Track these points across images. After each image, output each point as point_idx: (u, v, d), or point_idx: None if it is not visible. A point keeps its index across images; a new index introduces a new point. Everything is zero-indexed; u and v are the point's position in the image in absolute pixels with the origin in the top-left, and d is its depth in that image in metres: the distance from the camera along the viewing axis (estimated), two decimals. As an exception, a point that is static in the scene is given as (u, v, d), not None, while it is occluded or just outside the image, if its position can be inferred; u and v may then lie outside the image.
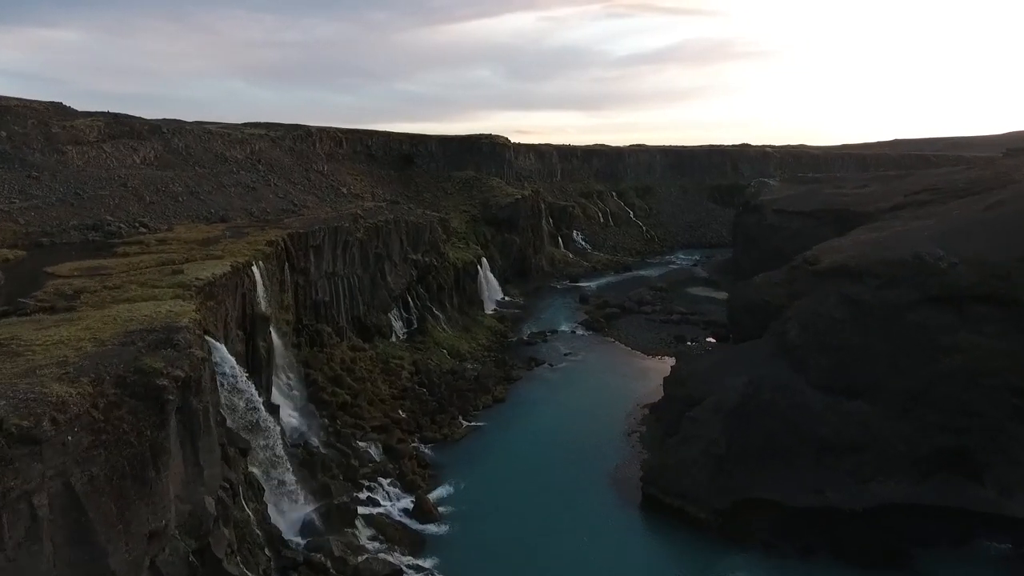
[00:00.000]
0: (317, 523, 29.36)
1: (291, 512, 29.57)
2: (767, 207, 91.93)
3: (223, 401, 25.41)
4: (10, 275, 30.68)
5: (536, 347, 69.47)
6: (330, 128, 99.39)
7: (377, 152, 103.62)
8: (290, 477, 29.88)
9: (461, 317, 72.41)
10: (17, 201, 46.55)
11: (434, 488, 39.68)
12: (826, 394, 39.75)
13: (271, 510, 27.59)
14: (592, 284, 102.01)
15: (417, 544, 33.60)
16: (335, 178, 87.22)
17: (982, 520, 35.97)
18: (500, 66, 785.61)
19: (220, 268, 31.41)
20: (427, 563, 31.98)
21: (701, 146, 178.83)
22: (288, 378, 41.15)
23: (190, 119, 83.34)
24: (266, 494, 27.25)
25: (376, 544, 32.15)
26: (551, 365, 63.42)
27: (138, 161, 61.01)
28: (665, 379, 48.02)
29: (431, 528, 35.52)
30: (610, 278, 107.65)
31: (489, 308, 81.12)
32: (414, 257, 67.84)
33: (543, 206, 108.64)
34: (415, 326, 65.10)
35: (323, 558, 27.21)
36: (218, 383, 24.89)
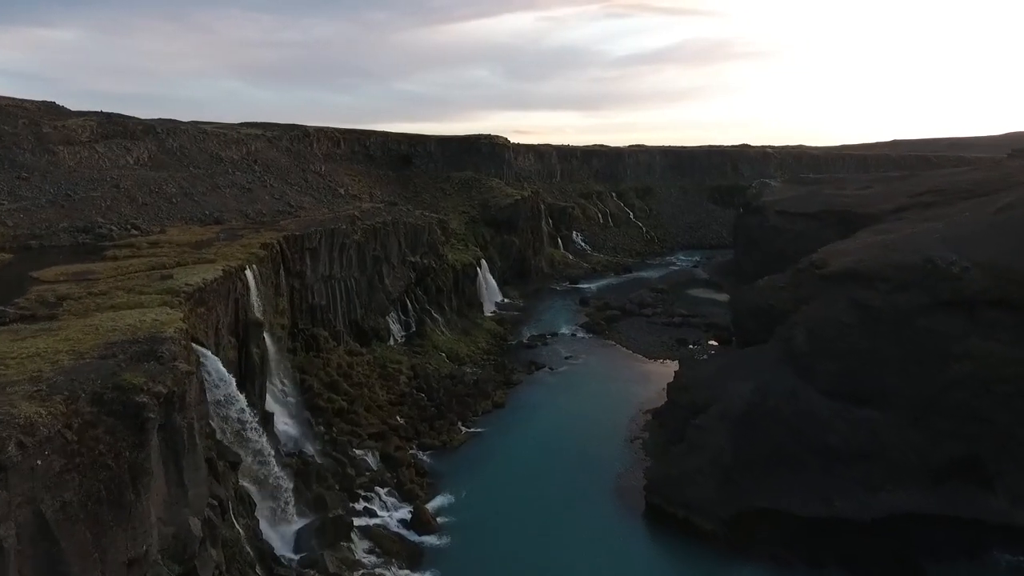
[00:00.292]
0: (311, 538, 28.36)
1: (284, 526, 28.57)
2: (769, 208, 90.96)
3: (212, 412, 24.42)
4: (-6, 280, 29.67)
5: (536, 350, 68.51)
6: (328, 128, 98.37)
7: (375, 152, 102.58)
8: (283, 490, 28.83)
9: (460, 320, 71.43)
10: (6, 203, 45.50)
11: (433, 497, 38.70)
12: (834, 401, 38.81)
13: (263, 525, 26.62)
14: (592, 286, 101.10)
15: (415, 557, 32.63)
16: (332, 179, 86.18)
17: (994, 530, 35.11)
18: (499, 66, 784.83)
19: (211, 273, 30.39)
20: (425, 577, 31.04)
21: (701, 146, 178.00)
22: (283, 384, 40.13)
23: (188, 119, 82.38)
24: (258, 508, 26.23)
25: (373, 558, 31.17)
26: (551, 369, 62.46)
27: (131, 162, 59.94)
28: (669, 385, 47.06)
29: (430, 540, 34.53)
30: (610, 279, 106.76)
31: (488, 310, 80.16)
32: (412, 259, 66.83)
33: (543, 207, 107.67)
34: (413, 329, 64.11)
35: (317, 575, 26.22)
36: (207, 394, 23.90)
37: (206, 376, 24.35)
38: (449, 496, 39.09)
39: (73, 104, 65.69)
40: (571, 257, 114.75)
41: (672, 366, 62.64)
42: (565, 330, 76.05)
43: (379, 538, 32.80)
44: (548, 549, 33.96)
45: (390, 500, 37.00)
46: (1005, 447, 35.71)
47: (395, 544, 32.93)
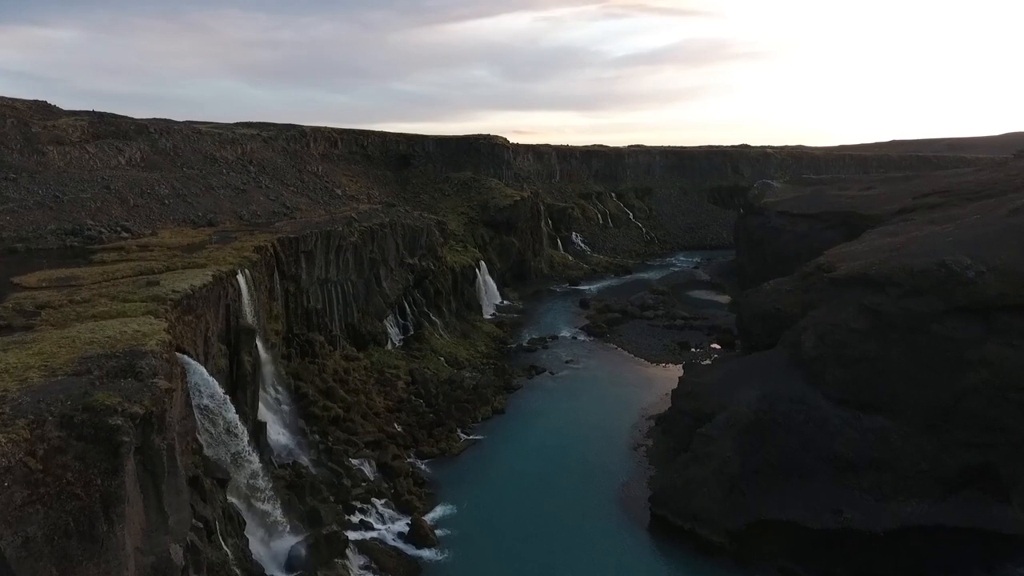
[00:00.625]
0: (304, 555, 27.18)
1: (276, 544, 27.39)
2: (771, 209, 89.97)
3: (200, 426, 23.26)
4: (-27, 286, 28.43)
5: (536, 354, 67.41)
6: (325, 128, 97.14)
7: (373, 153, 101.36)
8: (275, 505, 27.64)
9: (459, 323, 70.29)
10: (-8, 205, 44.23)
11: (431, 508, 37.57)
12: (844, 409, 37.72)
13: (253, 543, 25.43)
14: (592, 287, 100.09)
15: (413, 572, 31.54)
16: (329, 179, 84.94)
17: (1009, 542, 34.07)
18: (497, 66, 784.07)
19: (201, 278, 29.19)
20: (423, 594, 29.90)
21: (700, 147, 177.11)
22: (276, 392, 38.95)
23: (185, 119, 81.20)
24: (248, 526, 25.05)
25: (369, 574, 30.01)
26: (552, 373, 61.36)
27: (123, 162, 58.67)
28: (673, 392, 45.92)
29: (428, 554, 33.39)
30: (610, 281, 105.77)
31: (488, 313, 79.07)
32: (411, 261, 65.66)
33: (542, 208, 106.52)
34: (411, 333, 62.97)
35: (310, 594, 25.10)
36: (194, 407, 22.74)
37: (193, 388, 23.19)
38: (448, 507, 37.96)
39: (70, 104, 64.66)
40: (571, 258, 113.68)
41: (674, 370, 61.70)
42: (565, 333, 74.97)
43: (376, 553, 31.66)
44: (550, 564, 32.87)
45: (387, 512, 35.84)
46: (1021, 456, 34.65)
47: (392, 559, 31.79)
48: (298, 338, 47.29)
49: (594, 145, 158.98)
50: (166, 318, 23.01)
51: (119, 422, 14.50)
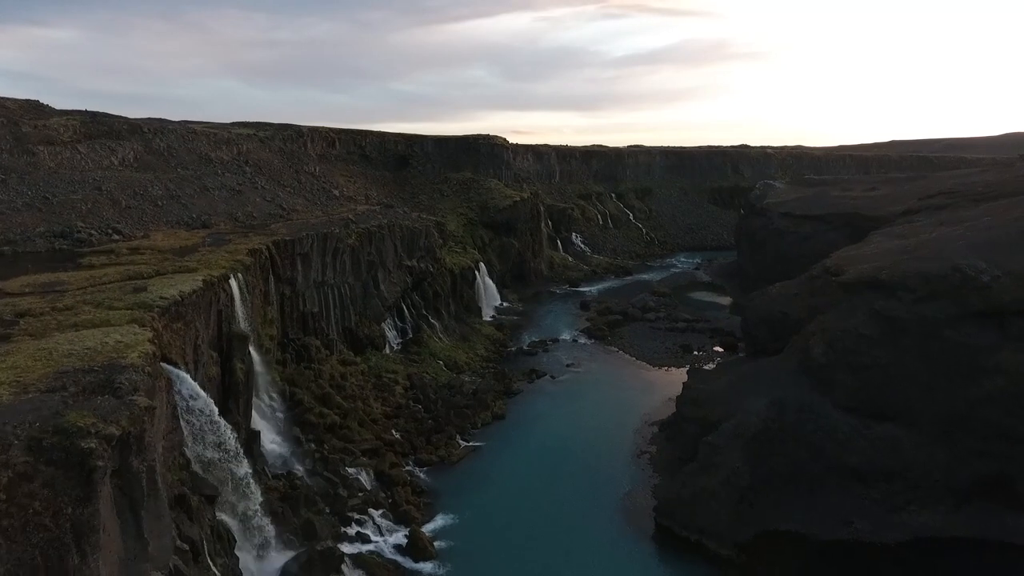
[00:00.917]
0: (297, 572, 26.09)
1: (268, 561, 26.30)
2: (773, 210, 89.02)
3: (188, 440, 22.18)
4: (-46, 291, 27.27)
5: (537, 357, 66.37)
6: (322, 128, 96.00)
7: (371, 153, 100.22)
8: (267, 520, 26.54)
9: (458, 325, 69.21)
10: (-21, 206, 43.09)
11: (430, 519, 36.50)
12: (854, 417, 36.73)
13: (245, 560, 24.35)
14: (593, 289, 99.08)
15: (411, 587, 30.41)
16: (327, 180, 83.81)
17: (1024, 554, 33.09)
18: (496, 66, 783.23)
19: (191, 284, 28.09)
20: (422, 610, 28.83)
21: (700, 147, 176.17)
22: (271, 399, 37.85)
23: (184, 118, 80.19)
24: (238, 544, 23.96)
25: (365, 590, 28.93)
26: (553, 377, 60.33)
27: (116, 163, 57.51)
28: (677, 398, 44.89)
29: (426, 567, 32.34)
30: (611, 282, 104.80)
31: (487, 315, 78.02)
32: (409, 263, 64.58)
33: (542, 208, 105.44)
34: (410, 336, 61.90)
35: (304, 614, 24.01)
36: (181, 420, 21.67)
37: (180, 400, 22.12)
38: (447, 517, 36.90)
39: (69, 104, 63.64)
40: (571, 259, 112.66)
41: (677, 374, 60.71)
42: (566, 335, 73.94)
43: (372, 567, 30.58)
44: (553, 577, 31.79)
45: (384, 523, 34.75)
46: (1037, 466, 33.67)
47: (390, 573, 30.77)
48: (294, 343, 46.21)
49: (594, 145, 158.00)
50: (152, 327, 21.92)
51: (92, 445, 13.41)
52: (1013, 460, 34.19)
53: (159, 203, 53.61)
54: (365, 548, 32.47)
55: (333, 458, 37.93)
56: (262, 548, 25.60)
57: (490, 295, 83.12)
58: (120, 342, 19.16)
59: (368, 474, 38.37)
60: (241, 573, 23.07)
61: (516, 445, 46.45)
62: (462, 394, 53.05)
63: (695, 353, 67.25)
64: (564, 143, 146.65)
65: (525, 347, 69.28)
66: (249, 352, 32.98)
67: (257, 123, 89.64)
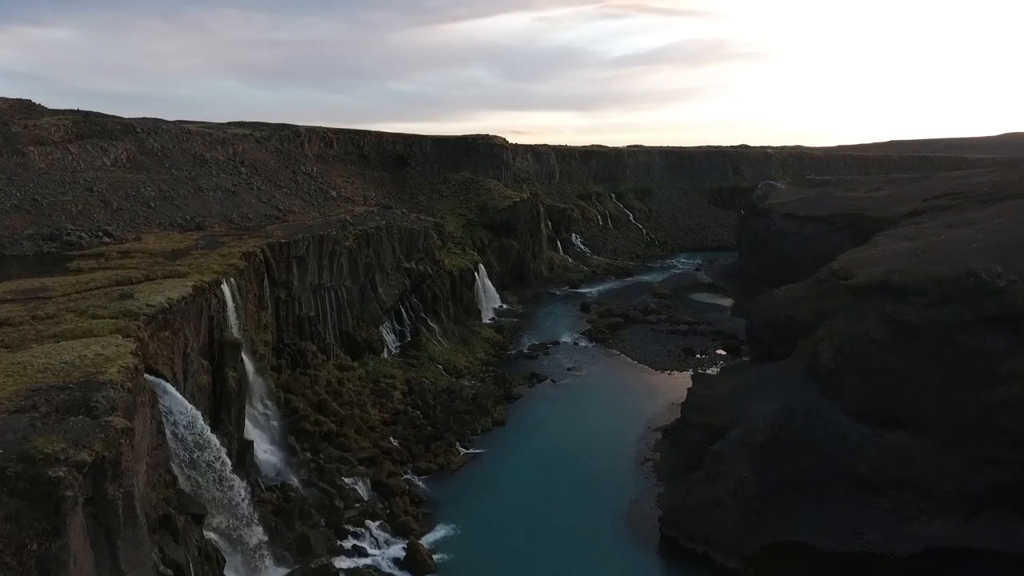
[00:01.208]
0: (291, 591, 25.13)
1: (260, 580, 25.31)
2: (776, 211, 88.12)
3: (174, 455, 21.17)
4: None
5: (537, 360, 65.37)
6: (320, 128, 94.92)
7: (370, 153, 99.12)
8: (259, 537, 25.50)
9: (457, 328, 68.19)
10: (-35, 208, 42.02)
11: (429, 531, 35.47)
12: (864, 424, 35.85)
13: (236, 579, 23.37)
14: (593, 290, 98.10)
15: (409, 603, 29.42)
16: (324, 180, 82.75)
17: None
18: (495, 66, 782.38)
19: (180, 290, 27.06)
20: (420, 628, 27.81)
21: (700, 147, 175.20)
22: (265, 407, 36.83)
23: (184, 119, 79.06)
24: (228, 563, 22.94)
25: (362, 607, 27.92)
26: (554, 381, 59.32)
27: (108, 163, 56.43)
28: (682, 404, 43.93)
29: (425, 582, 31.30)
30: (611, 284, 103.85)
31: (487, 317, 77.01)
32: (407, 265, 63.56)
33: (542, 209, 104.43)
34: (408, 339, 60.89)
35: (297, 635, 23.01)
36: (167, 435, 20.66)
37: (166, 414, 21.11)
38: (447, 528, 35.89)
39: (67, 103, 62.60)
40: (571, 260, 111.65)
41: (680, 378, 59.77)
42: (567, 338, 72.94)
43: (369, 582, 29.55)
44: (556, 592, 30.80)
45: (382, 536, 33.73)
46: (1053, 475, 32.80)
47: (387, 589, 29.72)
48: (289, 348, 45.17)
49: (593, 145, 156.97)
50: (137, 336, 20.90)
51: (61, 474, 12.38)
52: (1028, 469, 33.31)
53: (152, 204, 52.55)
54: (362, 562, 31.46)
55: (329, 468, 36.89)
56: (254, 567, 24.58)
57: (490, 297, 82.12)
58: (100, 355, 18.14)
59: (365, 484, 37.34)
60: (231, 595, 22.12)
61: (517, 452, 45.45)
62: (461, 399, 52.03)
63: (698, 356, 66.29)
64: (563, 143, 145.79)
65: (525, 350, 68.28)
66: (242, 359, 31.96)
67: (253, 123, 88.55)
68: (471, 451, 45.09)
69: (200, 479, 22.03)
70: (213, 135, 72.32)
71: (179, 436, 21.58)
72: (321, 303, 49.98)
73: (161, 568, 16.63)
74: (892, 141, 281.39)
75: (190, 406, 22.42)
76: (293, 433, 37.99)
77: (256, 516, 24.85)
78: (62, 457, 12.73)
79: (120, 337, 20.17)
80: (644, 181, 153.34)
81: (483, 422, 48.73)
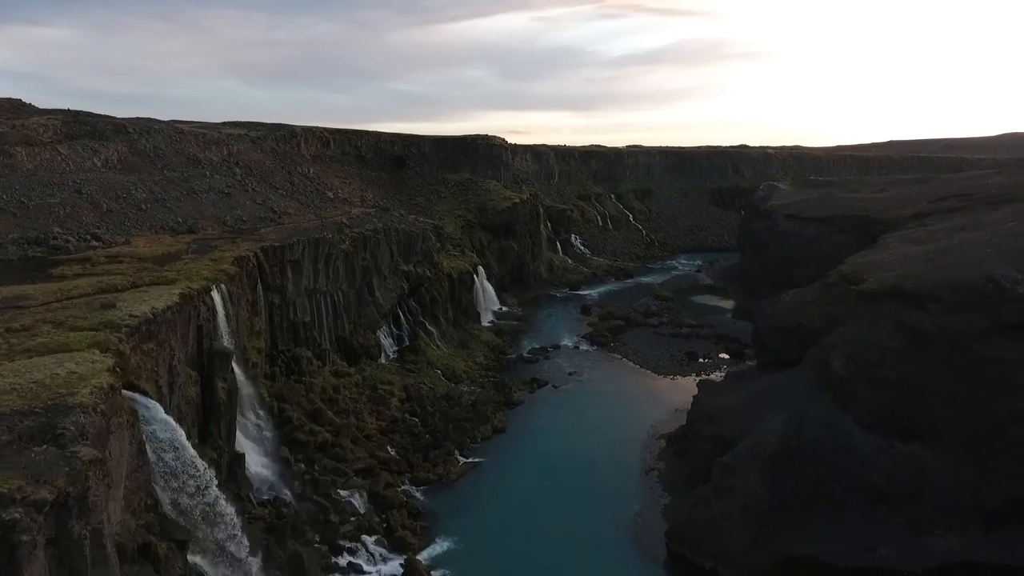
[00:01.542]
0: (282, 615, 23.94)
1: (249, 605, 24.10)
2: (778, 212, 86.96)
3: (158, 476, 19.96)
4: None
5: (538, 365, 64.18)
6: (316, 128, 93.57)
7: (367, 153, 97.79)
8: (249, 559, 24.27)
9: (456, 332, 66.96)
10: (-52, 211, 40.69)
11: (427, 545, 34.28)
12: (877, 435, 34.69)
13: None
14: (593, 292, 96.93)
15: (407, 623, 28.22)
16: (321, 181, 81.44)
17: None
18: (494, 66, 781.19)
19: (166, 299, 25.83)
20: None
21: (700, 147, 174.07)
22: (257, 417, 35.59)
23: (183, 119, 77.68)
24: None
25: (357, 629, 26.71)
26: (555, 387, 58.15)
27: (98, 164, 55.08)
28: (689, 414, 42.76)
29: (423, 601, 30.12)
30: (611, 285, 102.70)
31: (486, 320, 75.81)
32: (405, 268, 62.30)
33: (541, 210, 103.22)
34: (406, 344, 59.67)
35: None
36: (149, 455, 19.44)
37: (148, 433, 19.89)
38: (446, 542, 34.70)
39: (66, 103, 61.26)
40: (570, 262, 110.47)
41: (683, 383, 58.65)
42: (567, 342, 71.76)
43: (365, 602, 28.35)
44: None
45: (378, 551, 32.53)
46: (1073, 488, 31.69)
47: (384, 609, 28.53)
48: (283, 355, 43.92)
49: (593, 145, 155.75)
50: (117, 350, 19.69)
51: (17, 516, 11.16)
52: (1047, 482, 32.21)
53: (143, 207, 51.23)
54: (357, 580, 30.24)
55: (324, 480, 35.65)
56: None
57: (489, 299, 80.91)
58: (73, 373, 16.92)
59: (361, 496, 36.11)
60: (217, 624, 20.91)
61: (518, 461, 44.24)
62: (460, 406, 50.80)
63: (701, 360, 65.18)
64: (562, 143, 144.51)
65: (525, 354, 67.08)
66: (232, 370, 30.71)
67: (248, 123, 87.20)
68: (471, 460, 43.90)
69: (185, 502, 20.82)
70: (207, 135, 70.98)
71: (161, 456, 20.37)
72: (316, 308, 48.73)
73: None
74: (891, 141, 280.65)
75: (172, 421, 21.19)
76: (287, 444, 36.76)
77: (246, 542, 23.58)
78: (18, 496, 11.51)
79: (98, 352, 18.96)
80: (644, 181, 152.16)
81: (483, 429, 47.52)
